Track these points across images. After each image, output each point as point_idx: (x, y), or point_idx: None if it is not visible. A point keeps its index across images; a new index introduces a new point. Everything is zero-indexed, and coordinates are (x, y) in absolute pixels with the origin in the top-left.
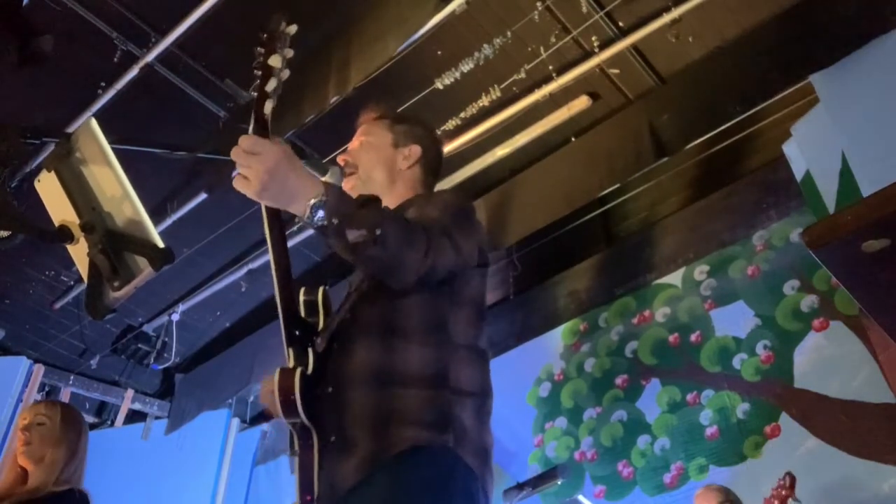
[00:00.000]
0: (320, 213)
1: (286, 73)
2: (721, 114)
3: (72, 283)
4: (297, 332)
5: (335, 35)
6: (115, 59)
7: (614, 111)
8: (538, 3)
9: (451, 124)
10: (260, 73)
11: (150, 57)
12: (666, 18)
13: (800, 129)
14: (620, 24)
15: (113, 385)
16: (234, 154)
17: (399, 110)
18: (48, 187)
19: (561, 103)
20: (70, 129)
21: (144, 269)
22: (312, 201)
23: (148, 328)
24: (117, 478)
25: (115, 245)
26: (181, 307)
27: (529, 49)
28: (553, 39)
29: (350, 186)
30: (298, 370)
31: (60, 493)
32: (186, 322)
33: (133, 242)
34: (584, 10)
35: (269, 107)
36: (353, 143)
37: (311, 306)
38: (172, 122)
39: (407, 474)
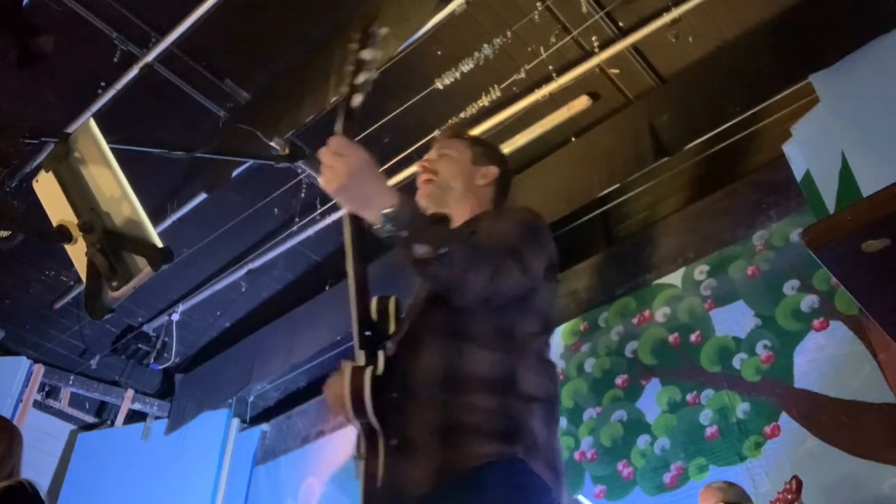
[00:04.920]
0: (391, 224)
1: (375, 74)
2: (721, 114)
3: (72, 283)
4: (369, 334)
5: (335, 34)
6: (115, 59)
7: (614, 111)
8: (538, 3)
9: (451, 124)
10: (352, 67)
11: (150, 57)
12: (666, 18)
13: (800, 129)
14: (620, 24)
15: (113, 385)
16: (322, 152)
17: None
18: (46, 188)
19: (561, 103)
20: (69, 130)
21: (143, 269)
22: (386, 211)
23: (148, 328)
24: (117, 478)
25: (114, 245)
26: (181, 307)
27: (529, 49)
28: (553, 39)
29: (427, 192)
30: (369, 369)
31: (9, 487)
32: (186, 322)
33: (132, 242)
34: (584, 10)
35: (357, 100)
36: (432, 154)
37: (383, 314)
38: (172, 122)
39: (479, 494)
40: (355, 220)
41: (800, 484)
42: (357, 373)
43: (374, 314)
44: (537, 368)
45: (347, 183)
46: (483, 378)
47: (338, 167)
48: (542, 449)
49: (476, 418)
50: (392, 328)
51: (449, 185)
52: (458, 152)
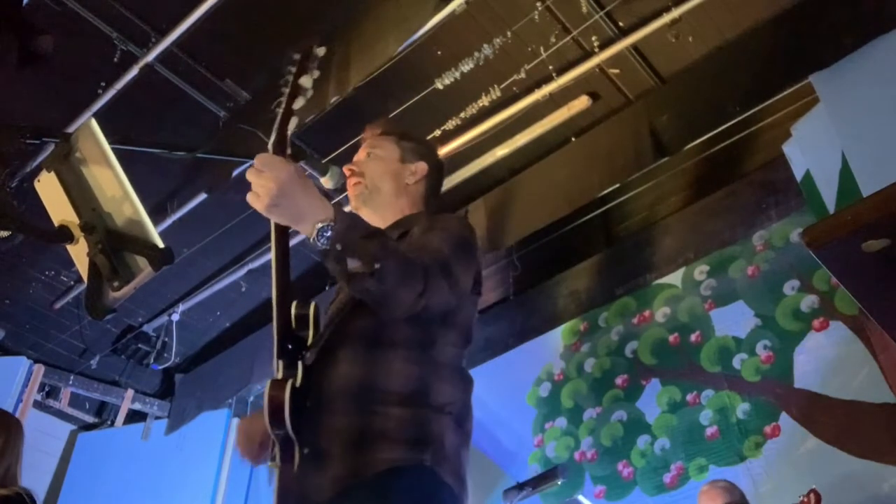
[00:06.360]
0: (325, 237)
1: (311, 93)
2: (721, 114)
3: (72, 283)
4: (289, 345)
5: (335, 35)
6: (115, 59)
7: (614, 111)
8: (538, 3)
9: (451, 124)
10: (287, 90)
11: (150, 57)
12: (666, 18)
13: (800, 129)
14: (620, 24)
15: (113, 385)
16: (249, 172)
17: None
18: (48, 187)
19: (561, 103)
20: (70, 129)
21: (144, 269)
22: (320, 224)
23: (148, 328)
24: (117, 478)
25: (115, 245)
26: (181, 307)
27: (529, 49)
28: (553, 39)
29: (356, 194)
30: (289, 382)
31: (6, 497)
32: (186, 322)
33: (133, 242)
34: (584, 10)
35: (293, 125)
36: (360, 155)
37: (303, 320)
38: (172, 122)
39: (383, 500)
40: (282, 232)
41: (818, 498)
42: (275, 385)
43: (293, 321)
44: (452, 379)
45: (277, 198)
46: (396, 392)
47: (265, 184)
48: (450, 458)
49: (386, 425)
50: (311, 336)
51: (377, 187)
52: (385, 150)
